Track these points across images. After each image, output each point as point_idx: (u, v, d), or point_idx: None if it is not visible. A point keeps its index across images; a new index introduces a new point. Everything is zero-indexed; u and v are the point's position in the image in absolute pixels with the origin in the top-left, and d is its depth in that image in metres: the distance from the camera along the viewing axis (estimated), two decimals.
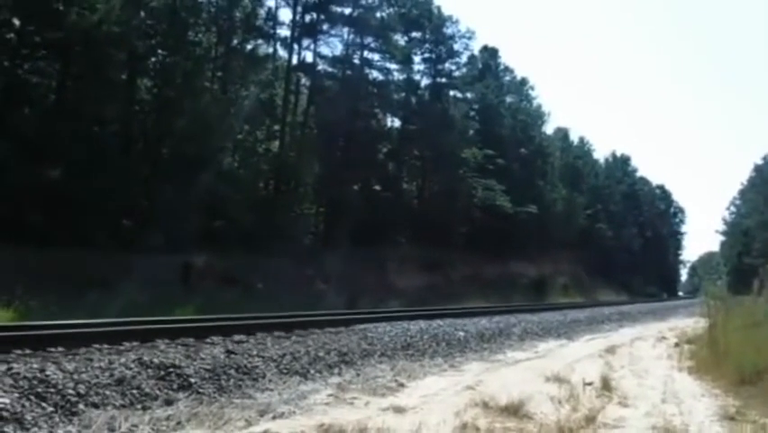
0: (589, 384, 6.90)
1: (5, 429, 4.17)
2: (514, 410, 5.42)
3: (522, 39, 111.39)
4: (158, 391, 5.43)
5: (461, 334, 11.26)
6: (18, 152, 15.19)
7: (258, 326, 8.93)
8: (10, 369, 4.95)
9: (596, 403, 6.03)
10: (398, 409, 5.48)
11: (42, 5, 16.71)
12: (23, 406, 4.47)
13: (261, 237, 21.04)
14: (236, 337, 7.98)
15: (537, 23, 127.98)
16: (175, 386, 5.63)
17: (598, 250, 53.01)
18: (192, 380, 5.81)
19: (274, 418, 5.06)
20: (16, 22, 16.96)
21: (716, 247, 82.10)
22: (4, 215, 14.12)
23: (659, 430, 4.99)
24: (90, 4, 16.96)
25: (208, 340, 7.61)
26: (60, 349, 6.19)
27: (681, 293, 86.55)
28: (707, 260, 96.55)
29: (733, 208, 71.85)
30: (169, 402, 5.28)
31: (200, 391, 5.70)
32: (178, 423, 4.73)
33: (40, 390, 4.73)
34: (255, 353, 7.02)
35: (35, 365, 5.16)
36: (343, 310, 15.38)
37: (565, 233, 46.38)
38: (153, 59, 20.93)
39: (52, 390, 4.79)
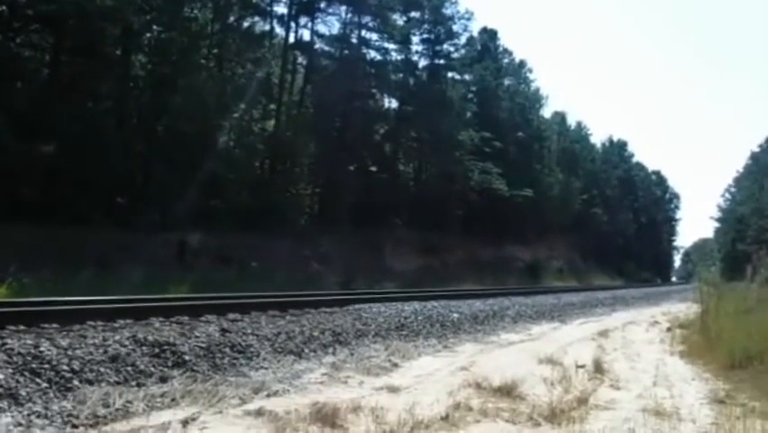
0: (582, 367, 6.95)
1: (0, 405, 4.18)
2: (507, 391, 5.46)
3: (521, 22, 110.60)
4: (152, 369, 5.43)
5: (456, 315, 11.30)
6: (11, 127, 15.01)
7: (253, 304, 8.93)
8: (4, 344, 4.94)
9: (588, 385, 6.08)
10: (392, 389, 5.52)
11: None
12: (18, 382, 4.47)
13: (257, 216, 20.99)
14: (231, 316, 7.97)
15: (536, 7, 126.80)
16: (169, 363, 5.63)
17: (593, 234, 53.20)
18: (186, 357, 5.81)
19: (268, 396, 5.08)
20: None
21: (710, 234, 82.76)
22: None
23: (650, 412, 5.04)
24: None
25: (203, 318, 7.61)
26: (55, 326, 6.18)
27: (674, 279, 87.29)
28: (701, 246, 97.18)
29: (728, 195, 72.26)
30: (163, 379, 5.29)
31: (194, 368, 5.70)
32: (173, 400, 4.74)
33: (34, 365, 4.73)
34: (250, 331, 7.03)
35: (29, 341, 5.15)
36: (338, 291, 15.41)
37: (561, 217, 46.49)
38: (148, 35, 20.66)
39: (47, 366, 4.79)
